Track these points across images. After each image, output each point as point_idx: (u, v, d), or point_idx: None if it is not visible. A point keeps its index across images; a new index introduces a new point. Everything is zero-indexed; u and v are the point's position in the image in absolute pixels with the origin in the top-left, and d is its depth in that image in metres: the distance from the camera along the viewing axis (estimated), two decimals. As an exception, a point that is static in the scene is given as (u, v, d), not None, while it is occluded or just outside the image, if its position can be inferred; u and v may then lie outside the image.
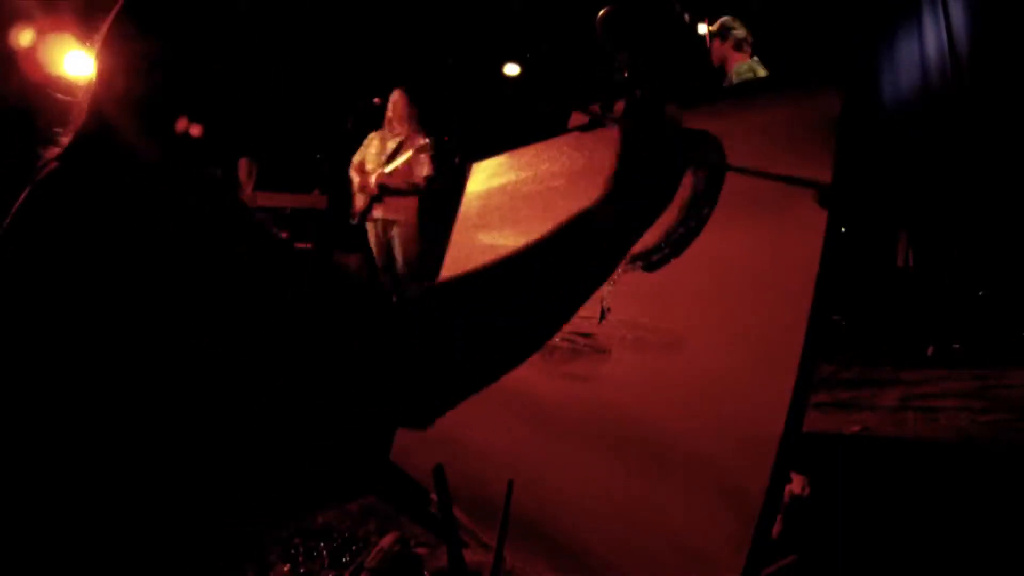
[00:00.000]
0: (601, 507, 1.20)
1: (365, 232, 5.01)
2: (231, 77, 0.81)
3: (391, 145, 4.67)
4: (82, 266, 0.66)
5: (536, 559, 1.27)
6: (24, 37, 4.31)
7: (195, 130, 0.77)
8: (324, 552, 1.50)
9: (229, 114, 0.83)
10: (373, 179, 4.62)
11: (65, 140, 0.78)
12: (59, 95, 0.83)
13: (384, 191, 4.63)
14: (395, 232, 4.68)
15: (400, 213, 4.66)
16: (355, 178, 4.78)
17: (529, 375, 1.50)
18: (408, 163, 4.57)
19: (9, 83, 4.12)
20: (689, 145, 0.89)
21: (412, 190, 4.64)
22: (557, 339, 1.46)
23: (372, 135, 4.86)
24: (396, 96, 4.73)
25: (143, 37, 0.78)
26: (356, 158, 4.83)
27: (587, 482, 1.25)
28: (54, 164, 0.76)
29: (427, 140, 4.56)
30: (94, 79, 0.80)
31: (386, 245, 4.77)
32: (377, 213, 4.70)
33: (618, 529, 1.15)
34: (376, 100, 5.80)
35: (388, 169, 4.60)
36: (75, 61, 4.79)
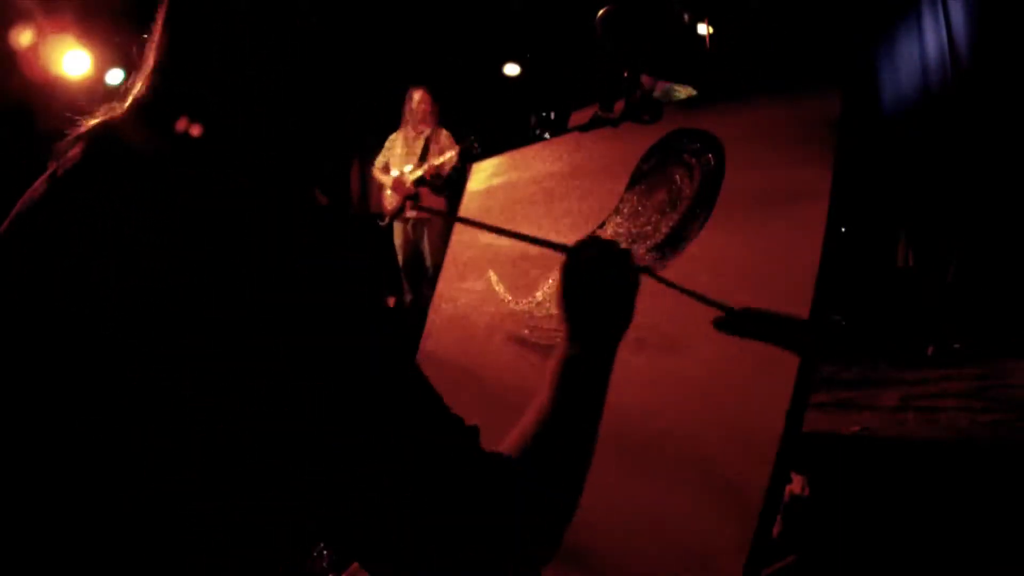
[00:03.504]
0: (601, 507, 1.19)
1: (363, 233, 5.00)
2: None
3: (418, 143, 4.73)
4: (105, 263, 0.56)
5: (536, 559, 1.26)
6: (24, 37, 4.31)
7: (195, 130, 0.70)
8: (324, 552, 1.50)
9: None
10: (408, 178, 4.68)
11: (85, 130, 0.69)
12: (59, 95, 0.77)
13: (421, 184, 4.71)
14: (426, 231, 4.72)
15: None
16: (383, 179, 4.83)
17: (529, 375, 1.50)
18: (440, 160, 4.66)
19: (9, 83, 4.11)
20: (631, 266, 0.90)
21: (443, 184, 4.69)
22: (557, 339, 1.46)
23: (394, 136, 4.88)
24: (419, 95, 4.76)
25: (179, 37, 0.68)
26: (379, 161, 4.88)
27: (587, 482, 1.24)
28: (77, 155, 0.67)
29: (462, 141, 4.64)
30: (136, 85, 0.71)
31: (414, 244, 4.81)
32: (410, 213, 4.75)
33: (618, 529, 1.14)
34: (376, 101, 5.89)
35: (423, 168, 4.68)
36: (75, 61, 4.80)
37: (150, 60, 0.70)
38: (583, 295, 0.86)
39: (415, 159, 4.73)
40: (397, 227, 4.86)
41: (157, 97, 0.68)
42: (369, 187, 7.99)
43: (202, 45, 0.68)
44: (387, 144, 4.92)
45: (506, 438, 0.74)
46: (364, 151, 8.01)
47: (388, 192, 4.83)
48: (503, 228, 1.04)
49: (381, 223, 4.92)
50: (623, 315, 0.87)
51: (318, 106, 0.80)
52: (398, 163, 4.81)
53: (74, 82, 4.86)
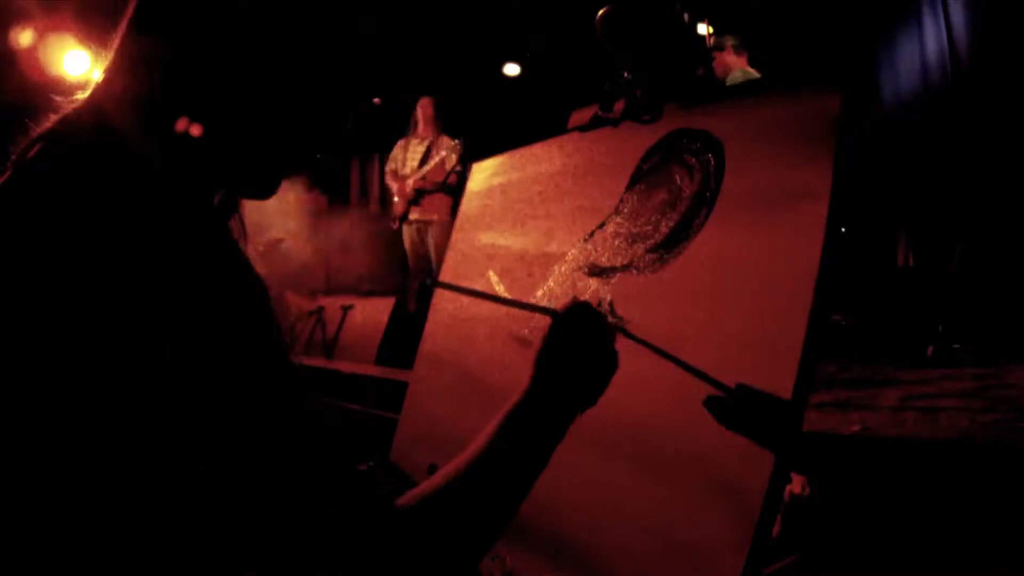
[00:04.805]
0: (600, 507, 1.20)
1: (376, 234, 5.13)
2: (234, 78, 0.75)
3: (420, 149, 4.95)
4: (60, 256, 0.59)
5: (536, 559, 1.27)
6: (24, 37, 4.32)
7: (195, 130, 0.73)
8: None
9: (234, 116, 0.74)
10: (409, 183, 4.89)
11: (48, 126, 0.71)
12: (59, 95, 0.79)
13: (420, 193, 4.92)
14: (431, 232, 4.91)
15: (435, 213, 4.90)
16: (393, 185, 5.03)
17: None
18: (440, 164, 4.84)
19: (9, 83, 4.11)
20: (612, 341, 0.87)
21: (444, 188, 4.85)
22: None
23: (400, 142, 5.12)
24: (424, 102, 5.01)
25: (148, 38, 0.72)
26: (389, 167, 5.10)
27: (586, 482, 1.24)
28: (39, 145, 0.68)
29: (456, 141, 4.82)
30: (97, 77, 0.75)
31: (420, 246, 5.02)
32: (414, 215, 4.96)
33: (618, 529, 1.14)
34: (376, 100, 5.94)
35: (421, 172, 4.88)
36: (75, 61, 4.81)
37: (118, 55, 0.72)
38: (564, 361, 0.83)
39: (417, 165, 4.93)
40: (405, 230, 5.05)
41: (157, 98, 0.69)
42: (368, 186, 8.07)
43: (203, 46, 0.70)
44: (394, 151, 5.12)
45: (440, 472, 0.73)
46: (365, 152, 8.01)
47: (396, 198, 5.03)
48: (489, 294, 1.04)
49: (393, 226, 5.12)
50: (596, 389, 0.84)
51: (315, 104, 0.82)
52: (402, 169, 5.02)
53: (74, 82, 4.85)
